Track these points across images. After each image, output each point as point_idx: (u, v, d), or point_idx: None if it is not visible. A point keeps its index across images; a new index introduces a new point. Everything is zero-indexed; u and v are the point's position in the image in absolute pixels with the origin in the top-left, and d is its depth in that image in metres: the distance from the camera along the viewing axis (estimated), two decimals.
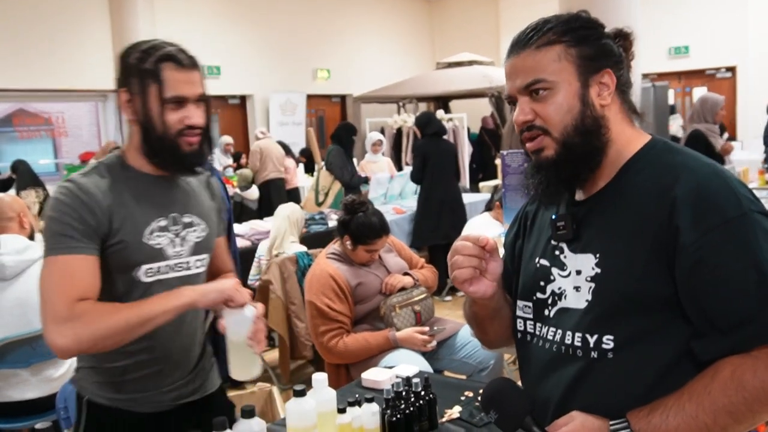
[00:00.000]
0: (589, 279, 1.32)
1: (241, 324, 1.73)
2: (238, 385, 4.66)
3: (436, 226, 6.60)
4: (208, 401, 1.93)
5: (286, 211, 4.95)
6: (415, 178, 6.92)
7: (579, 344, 1.32)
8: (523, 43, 1.34)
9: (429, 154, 6.72)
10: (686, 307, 1.23)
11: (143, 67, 1.66)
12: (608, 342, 1.28)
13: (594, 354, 1.29)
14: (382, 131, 10.83)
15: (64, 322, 1.55)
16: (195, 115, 1.71)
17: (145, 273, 1.73)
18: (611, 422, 1.25)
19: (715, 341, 1.20)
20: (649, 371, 1.25)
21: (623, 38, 1.38)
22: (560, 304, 1.38)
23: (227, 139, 10.84)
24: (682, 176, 1.24)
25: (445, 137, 7.34)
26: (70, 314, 1.55)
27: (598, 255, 1.31)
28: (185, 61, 1.70)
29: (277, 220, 4.93)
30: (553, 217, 1.41)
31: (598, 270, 1.31)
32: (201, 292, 1.69)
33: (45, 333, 1.58)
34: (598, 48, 1.33)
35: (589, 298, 1.32)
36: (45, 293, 1.59)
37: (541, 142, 1.33)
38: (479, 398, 1.40)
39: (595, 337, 1.29)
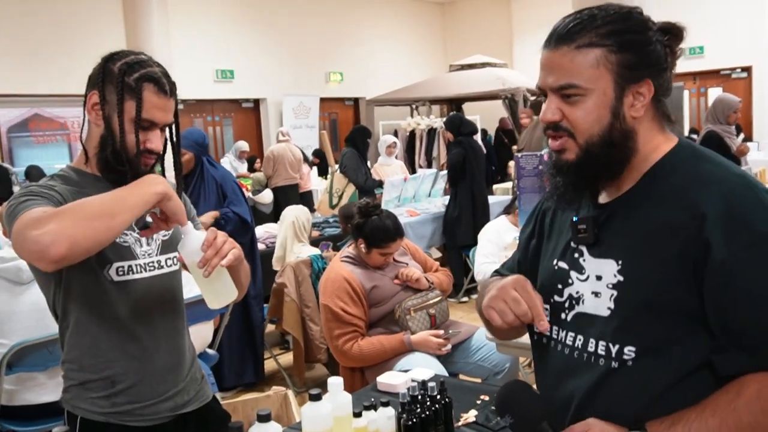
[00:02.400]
0: (611, 286, 1.30)
1: (188, 249, 1.62)
2: (253, 388, 4.68)
3: (473, 225, 6.58)
4: (204, 412, 1.90)
5: (290, 217, 4.91)
6: (453, 177, 6.88)
7: (602, 353, 1.30)
8: (564, 37, 1.27)
9: (468, 153, 6.74)
10: (711, 321, 1.20)
11: (126, 81, 1.64)
12: (629, 353, 1.26)
13: (615, 364, 1.28)
14: (396, 134, 10.83)
15: (32, 228, 1.39)
16: (156, 141, 1.70)
17: (116, 271, 1.70)
18: None
19: (738, 358, 1.18)
20: (669, 380, 1.23)
21: (673, 35, 1.30)
22: (578, 309, 1.36)
23: (242, 145, 10.85)
24: (712, 188, 1.21)
25: (475, 137, 7.35)
26: (35, 221, 1.41)
27: (620, 262, 1.28)
28: (166, 87, 1.68)
29: (282, 228, 4.93)
30: (575, 219, 1.38)
31: (621, 278, 1.28)
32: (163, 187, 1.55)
33: (21, 253, 1.44)
34: (643, 56, 1.26)
35: (612, 306, 1.29)
36: (12, 236, 1.46)
37: (564, 144, 1.30)
38: (496, 402, 1.39)
39: (617, 346, 1.28)
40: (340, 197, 7.25)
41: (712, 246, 1.17)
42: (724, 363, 1.19)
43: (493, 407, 2.27)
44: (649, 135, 1.31)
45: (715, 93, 12.53)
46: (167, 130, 1.77)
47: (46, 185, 1.65)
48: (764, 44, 12.13)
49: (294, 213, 4.94)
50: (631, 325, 1.26)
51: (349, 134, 7.68)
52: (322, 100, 13.15)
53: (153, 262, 1.78)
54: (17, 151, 10.37)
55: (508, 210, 4.67)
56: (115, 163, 1.67)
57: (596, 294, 1.32)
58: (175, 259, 1.83)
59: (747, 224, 1.17)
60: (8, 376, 3.00)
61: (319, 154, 10.70)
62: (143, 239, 1.76)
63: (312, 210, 7.85)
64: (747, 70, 12.62)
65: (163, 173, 1.81)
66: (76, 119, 10.95)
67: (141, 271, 1.75)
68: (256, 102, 12.66)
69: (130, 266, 1.73)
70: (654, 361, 1.24)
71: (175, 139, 1.80)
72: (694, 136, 9.20)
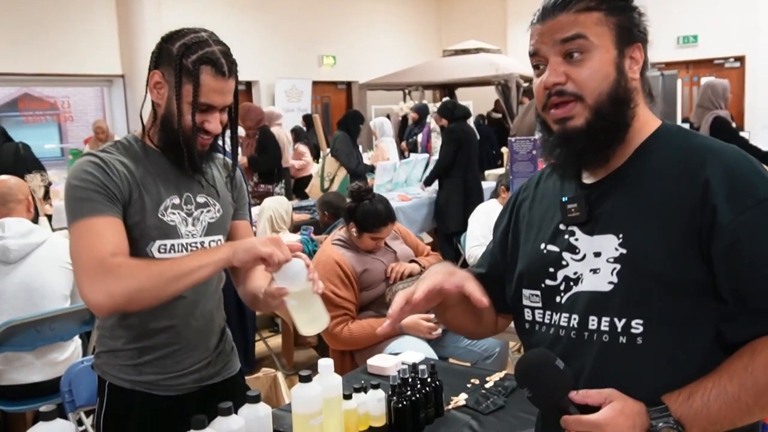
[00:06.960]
0: (612, 260, 1.27)
1: (295, 277, 1.64)
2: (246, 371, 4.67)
3: (464, 211, 6.56)
4: (230, 385, 1.93)
5: (267, 212, 4.92)
6: (446, 163, 6.77)
7: (606, 329, 1.27)
8: (560, 6, 1.28)
9: (462, 140, 6.70)
10: (720, 287, 1.20)
11: (184, 63, 1.66)
12: (637, 326, 1.24)
13: (623, 339, 1.25)
14: (388, 118, 10.77)
15: (97, 278, 1.55)
16: (214, 123, 1.73)
17: (158, 249, 1.73)
18: (649, 408, 1.21)
19: (748, 323, 1.18)
20: (680, 354, 1.22)
21: None
22: (575, 289, 1.33)
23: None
24: (709, 157, 1.22)
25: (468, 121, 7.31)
26: (102, 269, 1.55)
27: (621, 235, 1.27)
28: (224, 69, 1.70)
29: (261, 221, 4.93)
30: (564, 199, 1.36)
31: (623, 250, 1.26)
32: (234, 249, 1.62)
33: (80, 292, 1.58)
34: (633, 20, 1.31)
35: (614, 280, 1.27)
36: (76, 256, 1.60)
37: (572, 110, 1.28)
38: (515, 372, 1.32)
39: (624, 321, 1.25)
40: (332, 181, 7.23)
41: (718, 209, 1.18)
42: (734, 330, 1.19)
43: (483, 391, 2.28)
44: (642, 106, 1.33)
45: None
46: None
47: (105, 165, 1.67)
48: (757, 34, 12.14)
49: (271, 208, 4.94)
50: (638, 298, 1.24)
51: (341, 118, 7.66)
52: (315, 83, 13.09)
53: (196, 242, 1.79)
54: (7, 131, 10.29)
55: (495, 194, 4.69)
56: (174, 143, 1.71)
57: (595, 271, 1.30)
58: (219, 242, 1.85)
59: (748, 189, 1.18)
60: None
61: (298, 131, 10.52)
62: (189, 219, 1.78)
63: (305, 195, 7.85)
64: (740, 59, 12.64)
65: (225, 150, 1.87)
66: (66, 99, 10.88)
67: (182, 251, 1.77)
68: (248, 85, 12.59)
69: (172, 245, 1.75)
70: (664, 336, 1.23)
71: (233, 117, 1.84)
72: (687, 125, 9.20)
